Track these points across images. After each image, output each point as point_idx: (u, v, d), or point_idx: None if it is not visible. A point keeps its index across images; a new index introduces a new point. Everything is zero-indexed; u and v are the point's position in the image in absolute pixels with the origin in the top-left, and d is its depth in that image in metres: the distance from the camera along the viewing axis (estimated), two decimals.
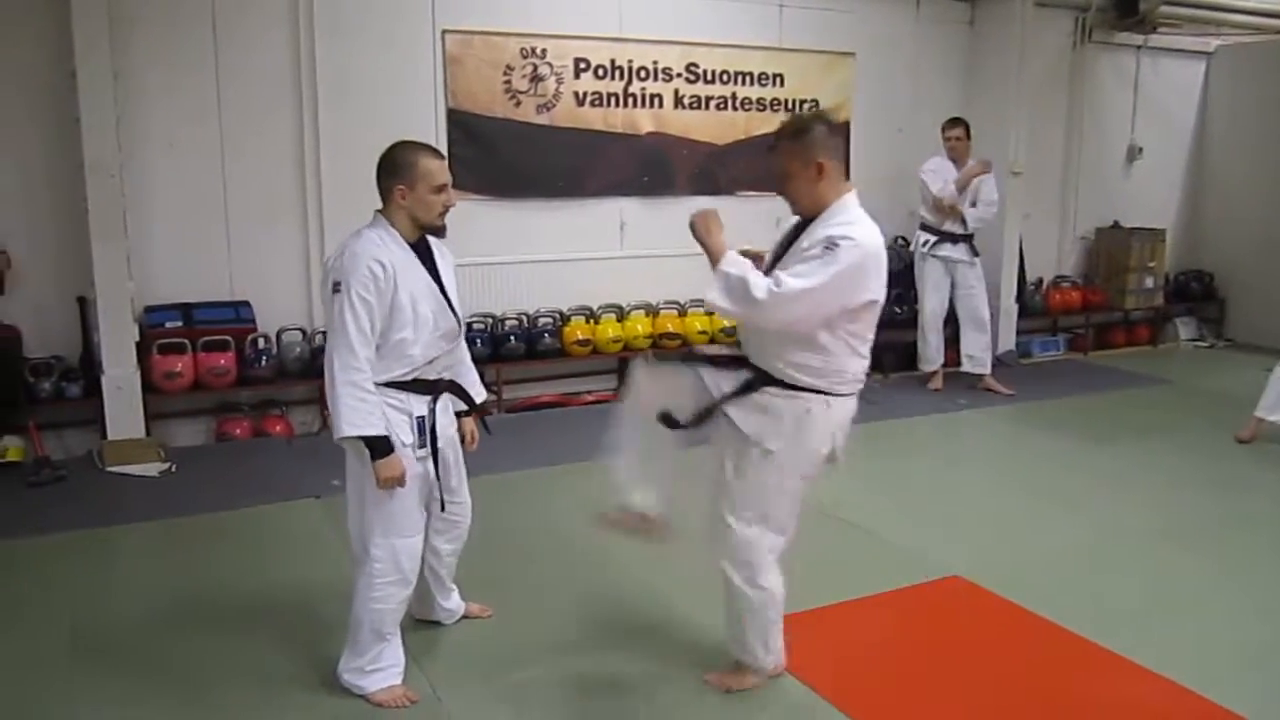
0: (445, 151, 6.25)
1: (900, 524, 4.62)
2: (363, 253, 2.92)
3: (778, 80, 7.41)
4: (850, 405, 3.09)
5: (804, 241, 2.92)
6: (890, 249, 7.77)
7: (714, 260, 2.93)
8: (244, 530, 4.50)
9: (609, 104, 6.85)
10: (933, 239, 7.16)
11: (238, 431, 5.82)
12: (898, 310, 7.67)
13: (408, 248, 3.02)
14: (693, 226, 3.01)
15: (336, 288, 2.89)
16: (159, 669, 3.30)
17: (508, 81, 6.52)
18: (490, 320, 6.52)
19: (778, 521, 3.08)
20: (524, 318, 6.64)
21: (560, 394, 6.83)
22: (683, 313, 7.08)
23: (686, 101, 7.10)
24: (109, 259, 5.37)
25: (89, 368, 5.57)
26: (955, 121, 7.14)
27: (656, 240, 7.10)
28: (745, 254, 2.99)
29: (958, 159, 7.10)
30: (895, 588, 3.93)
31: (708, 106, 7.18)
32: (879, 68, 7.78)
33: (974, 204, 7.03)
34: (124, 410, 5.46)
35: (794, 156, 2.96)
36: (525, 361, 6.57)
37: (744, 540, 3.06)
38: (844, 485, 5.14)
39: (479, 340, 6.34)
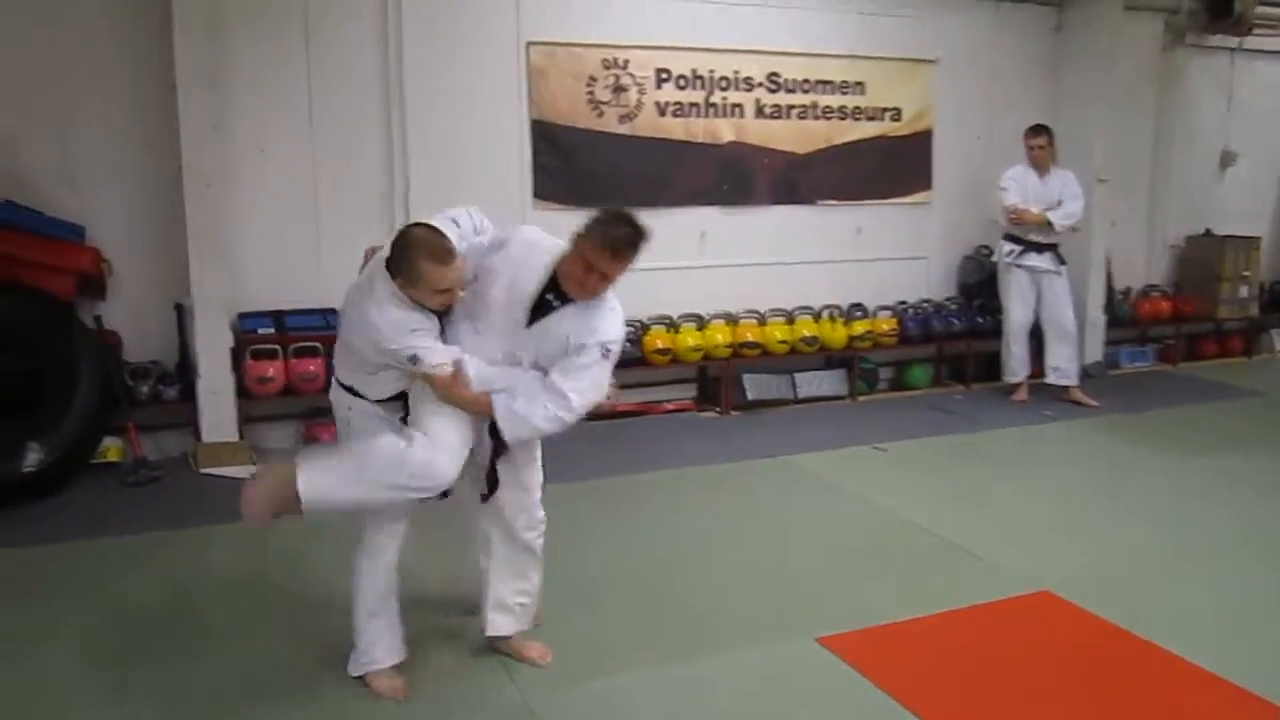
0: (529, 161, 6.47)
1: (986, 537, 4.55)
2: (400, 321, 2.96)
3: (859, 88, 7.36)
4: None
5: (570, 334, 3.03)
6: (972, 258, 7.78)
7: (488, 411, 3.04)
8: (331, 531, 4.58)
9: (690, 114, 6.88)
10: (1018, 249, 7.06)
11: (326, 436, 5.93)
12: (980, 320, 7.60)
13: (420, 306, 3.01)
14: (445, 397, 3.01)
15: (414, 360, 2.95)
16: (247, 662, 3.40)
17: (590, 92, 6.58)
18: None
19: None
20: None
21: (640, 403, 6.85)
22: (762, 321, 7.07)
23: (767, 110, 7.10)
24: (205, 267, 5.53)
25: (185, 372, 5.74)
26: (1038, 129, 7.03)
27: (737, 249, 7.11)
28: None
29: (1040, 167, 7.01)
30: (983, 602, 3.87)
31: (788, 115, 7.17)
32: (961, 74, 7.69)
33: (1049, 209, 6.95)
34: (218, 414, 5.61)
35: (627, 269, 3.02)
36: None
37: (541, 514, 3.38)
38: (928, 497, 5.13)
39: None
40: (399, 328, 2.94)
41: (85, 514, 4.87)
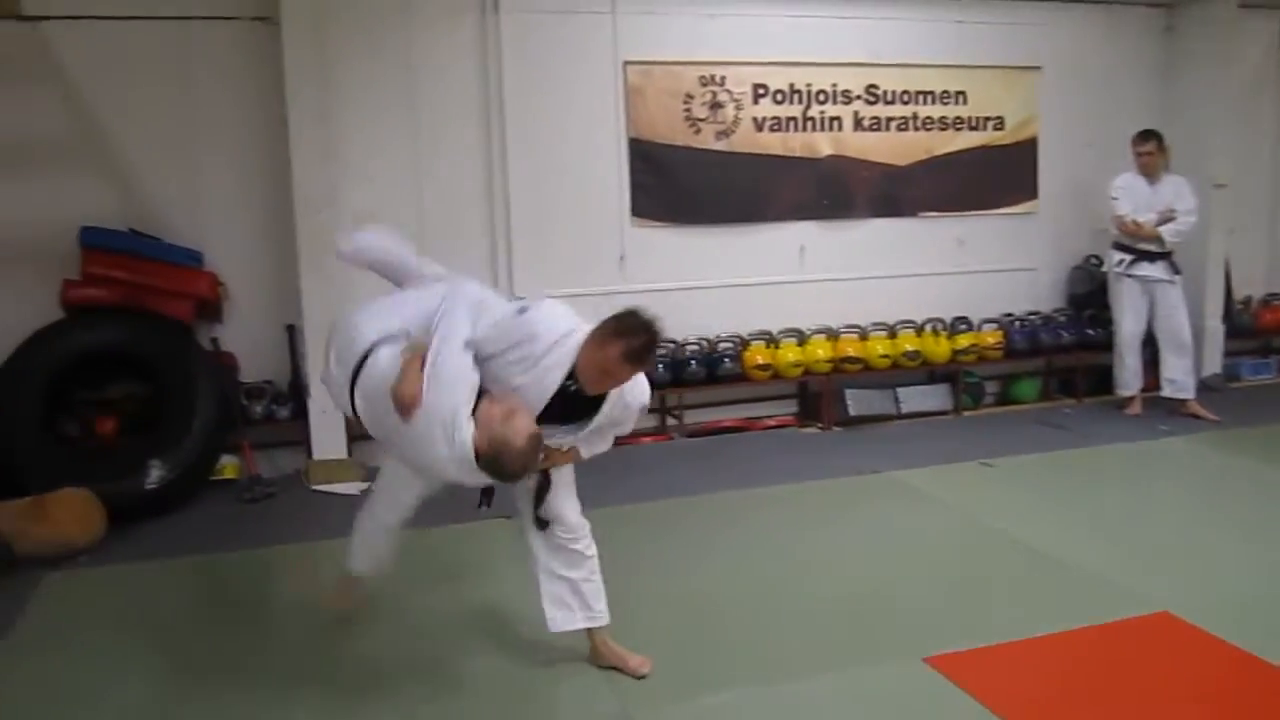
0: (626, 180, 6.52)
1: (1099, 556, 4.39)
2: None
3: (960, 98, 7.25)
4: None
5: (609, 413, 3.20)
6: (1081, 268, 7.57)
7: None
8: (435, 547, 4.67)
9: (788, 128, 6.85)
10: (1129, 258, 6.85)
11: None
12: (1091, 332, 7.39)
13: None
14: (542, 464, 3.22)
15: None
16: (356, 671, 3.47)
17: (688, 109, 6.61)
18: (671, 345, 6.58)
19: None
20: (704, 342, 6.67)
21: (741, 418, 6.83)
22: (864, 336, 6.98)
23: (866, 123, 7.03)
24: (316, 289, 5.69)
25: (297, 392, 5.92)
26: (1146, 135, 6.82)
27: (837, 263, 7.06)
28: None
29: (1149, 174, 6.80)
30: (1098, 623, 3.74)
31: (888, 127, 7.09)
32: (1067, 81, 7.50)
33: (1163, 221, 6.71)
34: (328, 432, 5.77)
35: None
36: (705, 386, 6.60)
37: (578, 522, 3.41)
38: (1037, 514, 4.99)
39: (660, 365, 6.42)
40: (478, 478, 3.04)
41: (204, 529, 5.06)
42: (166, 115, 5.76)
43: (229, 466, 5.77)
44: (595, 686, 3.35)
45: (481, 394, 2.99)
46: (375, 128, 6.08)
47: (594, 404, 3.15)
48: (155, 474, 5.19)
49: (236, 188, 5.91)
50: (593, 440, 3.31)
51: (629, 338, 2.98)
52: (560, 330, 3.10)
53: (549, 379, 3.06)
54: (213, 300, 5.74)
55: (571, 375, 3.07)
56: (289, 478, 5.87)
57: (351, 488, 5.58)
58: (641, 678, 3.39)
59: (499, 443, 2.85)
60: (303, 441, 5.89)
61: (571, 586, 3.38)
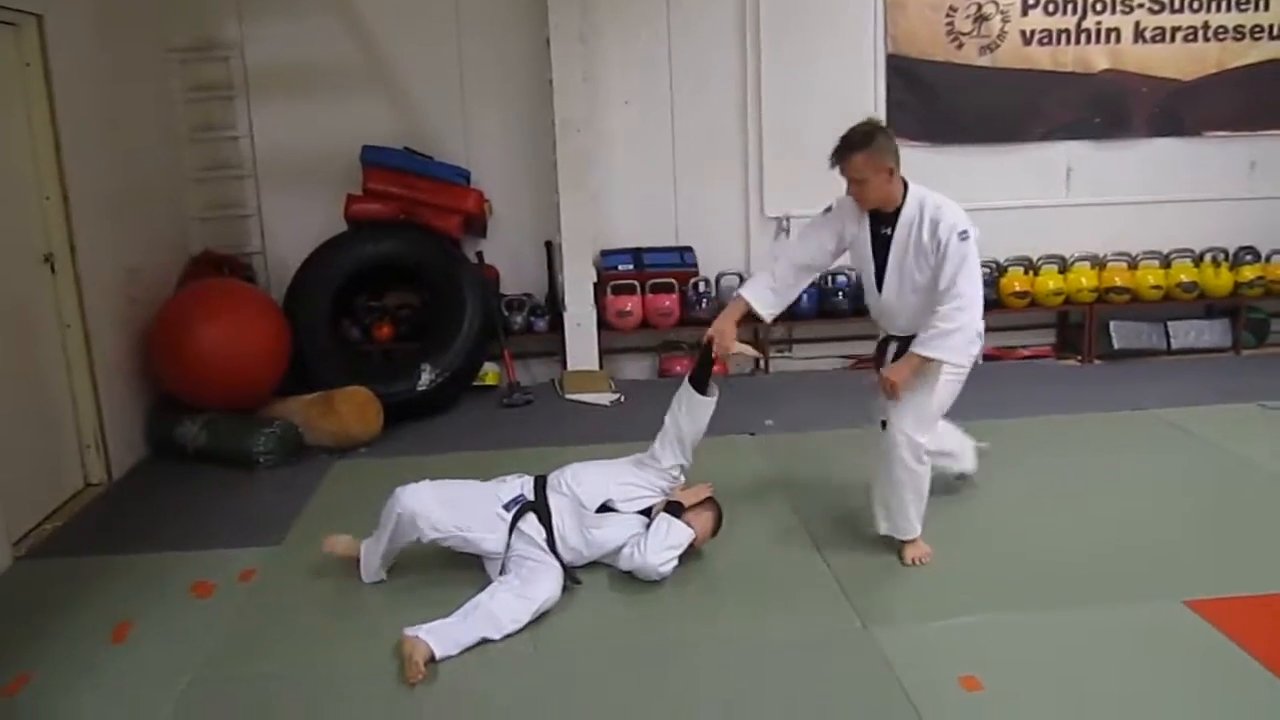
0: (883, 98, 6.35)
1: None
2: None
3: (1260, 4, 6.57)
4: None
5: (912, 235, 3.54)
6: None
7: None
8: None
9: (1059, 41, 6.45)
10: None
11: (678, 369, 6.20)
12: None
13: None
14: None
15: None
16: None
17: (950, 23, 6.34)
18: None
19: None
20: None
21: (993, 347, 6.59)
22: (1133, 265, 6.56)
23: (1148, 34, 6.51)
24: (573, 208, 5.92)
25: (553, 305, 6.20)
26: None
27: (1107, 186, 6.63)
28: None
29: None
30: None
31: (1173, 38, 6.54)
32: None
33: None
34: (581, 344, 6.03)
35: (866, 165, 3.43)
36: None
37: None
38: None
39: None
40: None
41: (468, 430, 5.41)
42: (438, 41, 6.06)
43: (490, 374, 6.11)
44: (836, 601, 3.39)
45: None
46: (632, 49, 6.19)
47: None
48: (425, 377, 5.56)
49: (501, 109, 6.17)
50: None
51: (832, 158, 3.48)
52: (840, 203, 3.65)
53: (862, 231, 3.62)
54: (479, 216, 6.05)
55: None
56: (544, 386, 6.17)
57: (602, 398, 5.82)
58: (907, 565, 3.61)
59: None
60: (558, 352, 6.18)
61: (884, 494, 3.64)
